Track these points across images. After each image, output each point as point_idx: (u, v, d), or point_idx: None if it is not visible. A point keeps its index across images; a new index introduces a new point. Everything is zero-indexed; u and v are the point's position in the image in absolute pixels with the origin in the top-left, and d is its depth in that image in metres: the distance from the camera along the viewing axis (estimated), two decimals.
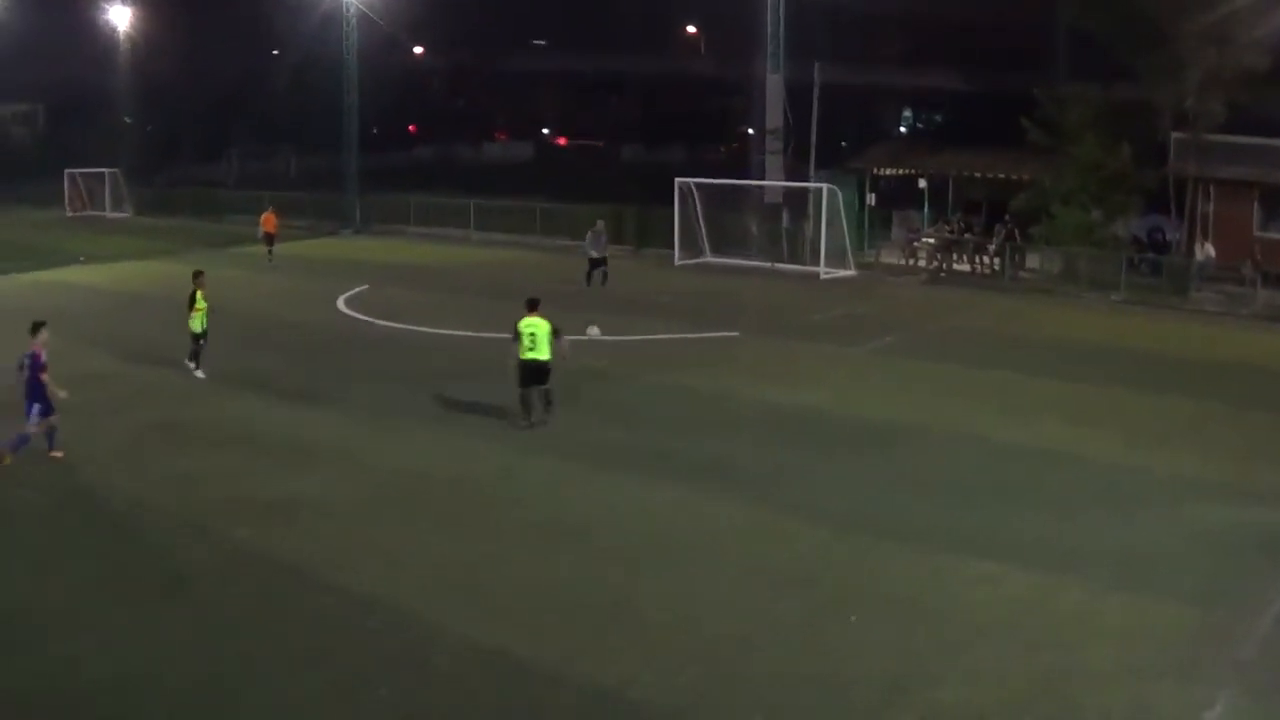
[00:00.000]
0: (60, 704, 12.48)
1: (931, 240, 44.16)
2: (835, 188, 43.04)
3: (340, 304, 36.37)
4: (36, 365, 20.29)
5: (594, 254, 39.19)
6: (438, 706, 12.37)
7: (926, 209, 47.12)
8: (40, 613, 14.61)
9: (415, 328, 32.41)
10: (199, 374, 26.39)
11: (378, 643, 13.61)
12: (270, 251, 45.99)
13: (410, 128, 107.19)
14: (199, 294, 26.55)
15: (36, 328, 20.86)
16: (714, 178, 47.68)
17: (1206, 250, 39.08)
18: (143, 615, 14.48)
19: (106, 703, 12.50)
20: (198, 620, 14.32)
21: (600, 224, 40.37)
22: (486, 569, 15.82)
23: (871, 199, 47.26)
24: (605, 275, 38.73)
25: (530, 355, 21.73)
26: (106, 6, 72.17)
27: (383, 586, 15.16)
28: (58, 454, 20.55)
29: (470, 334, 31.13)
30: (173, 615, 14.49)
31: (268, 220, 46.93)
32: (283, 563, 16.07)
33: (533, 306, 22.07)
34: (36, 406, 20.26)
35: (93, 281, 41.05)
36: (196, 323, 26.51)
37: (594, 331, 21.82)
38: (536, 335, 21.71)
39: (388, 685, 12.62)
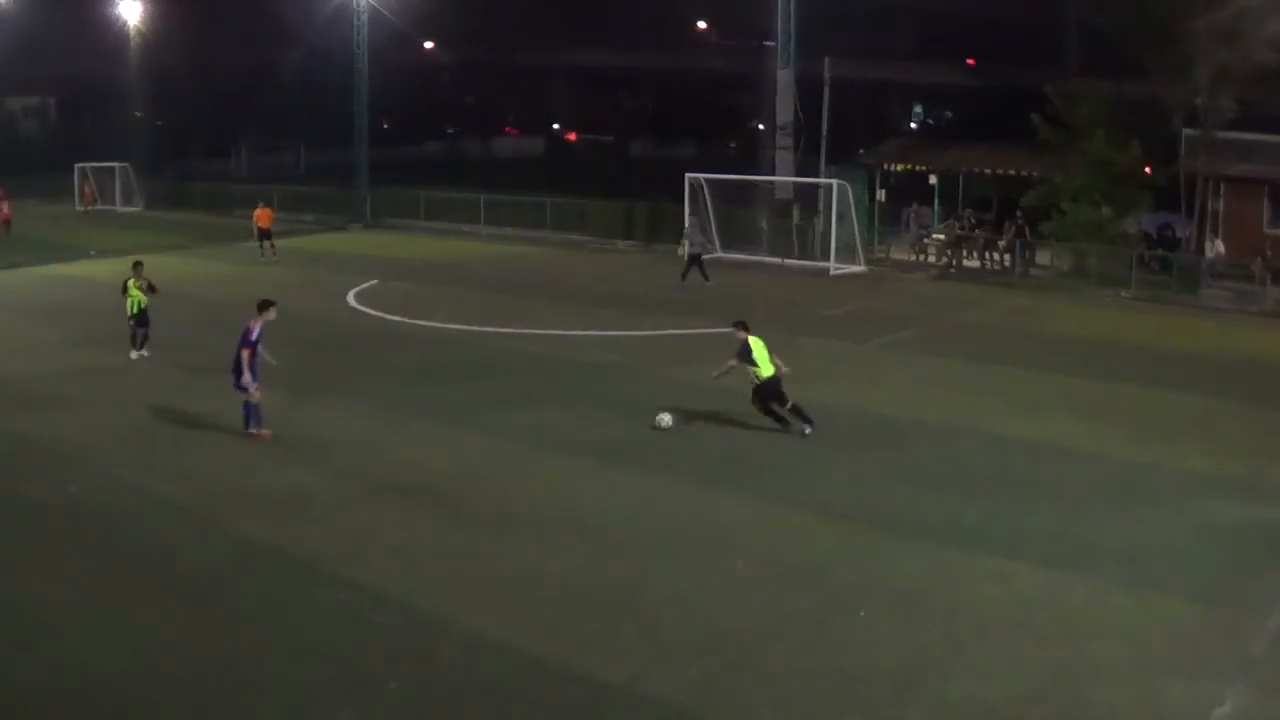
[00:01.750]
0: (70, 697, 12.52)
1: (941, 236, 44.13)
2: (846, 183, 43.05)
3: (350, 299, 36.42)
4: (245, 339, 21.06)
5: (691, 250, 39.30)
6: (447, 700, 12.37)
7: (937, 205, 47.07)
8: (50, 607, 14.66)
9: (426, 323, 32.47)
10: (133, 355, 27.89)
11: (386, 636, 13.64)
12: (271, 246, 46.03)
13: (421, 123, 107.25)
14: (130, 282, 28.03)
15: (264, 306, 21.53)
16: (724, 173, 47.74)
17: (1216, 247, 39.04)
18: (151, 609, 14.53)
19: (116, 696, 12.55)
20: (206, 614, 14.36)
21: (693, 219, 40.50)
22: (496, 564, 15.83)
23: (882, 195, 47.19)
24: (704, 270, 38.89)
25: (772, 372, 21.24)
26: (117, 1, 72.28)
27: (391, 580, 15.19)
28: (265, 432, 21.25)
29: (481, 329, 31.18)
30: (181, 609, 14.53)
31: (262, 215, 47.03)
32: (292, 557, 16.11)
33: (747, 327, 21.59)
34: (246, 375, 20.94)
35: (102, 276, 40.99)
36: (129, 307, 28.01)
37: (664, 420, 21.65)
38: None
39: (396, 679, 12.64)
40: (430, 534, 16.97)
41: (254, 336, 21.07)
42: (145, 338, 28.23)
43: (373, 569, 15.55)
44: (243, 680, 12.72)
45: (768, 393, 21.29)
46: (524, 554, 16.14)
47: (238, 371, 21.03)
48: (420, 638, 13.61)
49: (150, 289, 28.27)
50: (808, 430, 21.11)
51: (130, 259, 30.90)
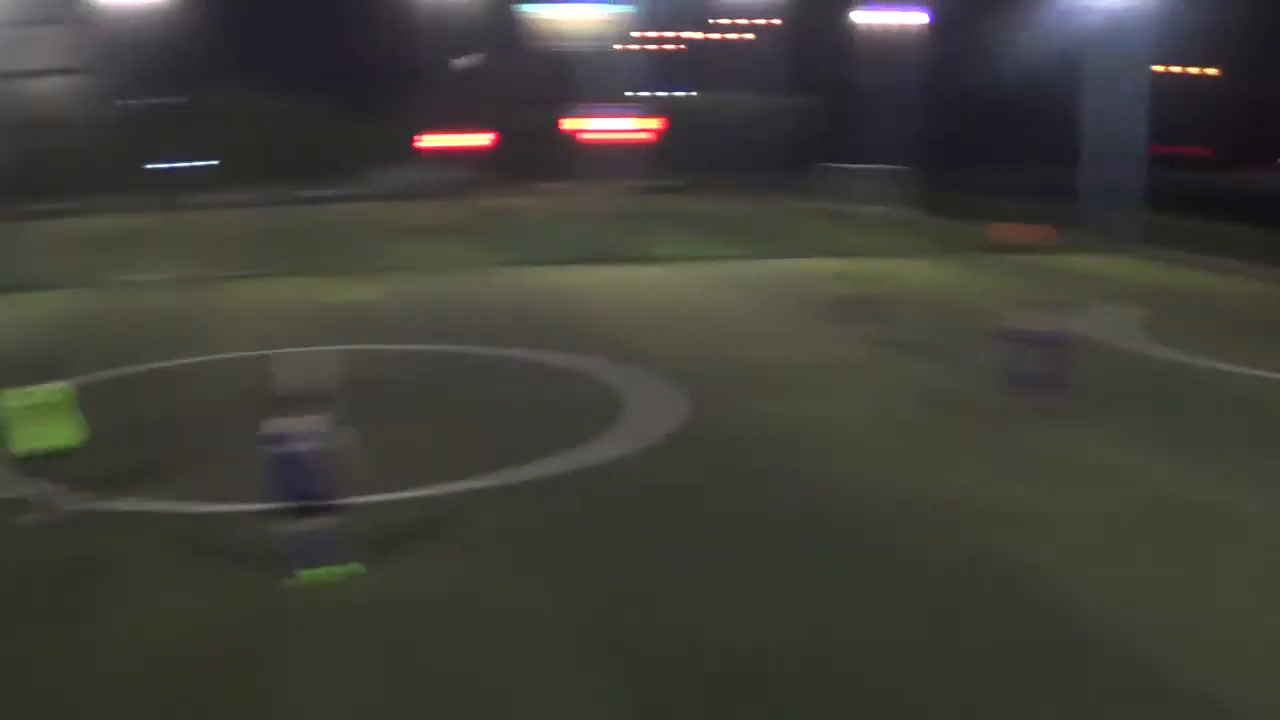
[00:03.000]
0: (806, 668, 13.48)
1: None
2: None
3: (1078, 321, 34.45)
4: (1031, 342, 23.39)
5: None
6: None
7: None
8: (783, 582, 15.89)
9: (1164, 354, 30.63)
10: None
11: (1103, 670, 13.41)
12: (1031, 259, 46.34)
13: (1204, 150, 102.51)
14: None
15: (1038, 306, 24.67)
16: None
17: None
18: (881, 603, 15.28)
19: (836, 673, 13.38)
20: (929, 610, 14.98)
21: None
22: (1228, 615, 14.91)
23: None
24: None
25: None
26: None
27: (1113, 615, 14.81)
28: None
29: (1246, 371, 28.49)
30: (904, 603, 15.23)
31: (1012, 230, 47.76)
32: (1025, 576, 16.06)
33: None
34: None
35: (850, 272, 40.76)
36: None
37: None
38: None
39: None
40: (1163, 575, 16.21)
41: (1044, 338, 22.45)
42: None
43: (1113, 601, 15.23)
44: (961, 678, 13.20)
45: None
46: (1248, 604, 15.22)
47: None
48: (1138, 679, 13.23)
49: None
50: None
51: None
